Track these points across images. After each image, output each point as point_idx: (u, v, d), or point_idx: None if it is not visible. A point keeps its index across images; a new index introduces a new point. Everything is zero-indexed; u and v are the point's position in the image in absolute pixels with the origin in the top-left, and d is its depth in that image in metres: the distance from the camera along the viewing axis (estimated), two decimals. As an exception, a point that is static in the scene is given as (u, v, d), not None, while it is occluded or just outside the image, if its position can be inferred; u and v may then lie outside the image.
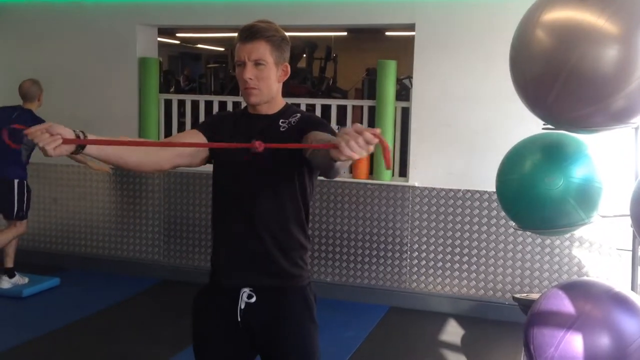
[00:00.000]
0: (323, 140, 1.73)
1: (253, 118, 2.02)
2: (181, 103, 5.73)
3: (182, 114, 5.68)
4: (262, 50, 1.93)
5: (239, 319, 1.97)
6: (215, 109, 5.37)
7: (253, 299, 1.97)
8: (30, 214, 5.04)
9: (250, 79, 1.93)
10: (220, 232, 2.06)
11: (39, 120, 4.76)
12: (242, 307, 1.97)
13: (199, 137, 2.02)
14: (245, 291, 1.97)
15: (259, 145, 1.60)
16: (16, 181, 4.78)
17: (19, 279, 4.94)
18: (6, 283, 4.82)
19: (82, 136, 1.61)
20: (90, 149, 1.65)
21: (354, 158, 1.45)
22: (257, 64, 1.93)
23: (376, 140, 1.43)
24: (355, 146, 1.42)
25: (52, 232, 5.72)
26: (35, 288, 4.92)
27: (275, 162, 1.92)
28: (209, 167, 2.09)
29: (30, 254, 5.55)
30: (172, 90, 9.49)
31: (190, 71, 12.65)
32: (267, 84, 1.96)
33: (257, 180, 1.95)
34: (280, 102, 2.05)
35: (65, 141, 1.55)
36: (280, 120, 2.00)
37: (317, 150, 1.74)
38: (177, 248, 5.39)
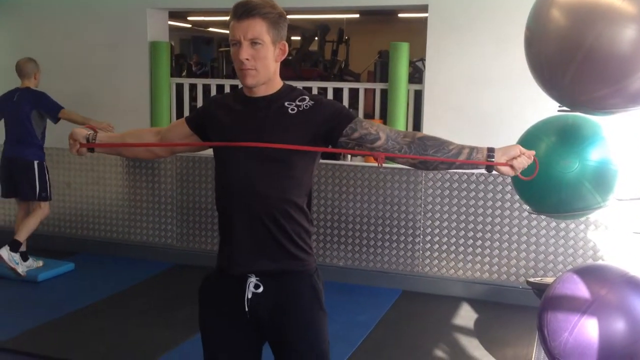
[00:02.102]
0: (387, 130, 1.92)
1: (251, 101, 1.95)
2: (192, 87, 5.71)
3: (193, 98, 5.67)
4: (259, 28, 1.84)
5: (246, 309, 1.94)
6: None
7: (260, 289, 1.93)
8: (52, 196, 5.09)
9: (247, 59, 1.85)
10: (223, 218, 2.03)
11: (39, 95, 4.88)
12: (249, 296, 1.93)
13: (184, 128, 2.05)
14: (252, 281, 1.94)
15: (380, 160, 1.87)
16: (36, 162, 4.90)
17: (33, 263, 4.99)
18: (21, 267, 4.84)
19: (91, 136, 2.02)
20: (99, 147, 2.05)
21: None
22: (253, 43, 1.85)
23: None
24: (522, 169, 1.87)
25: (66, 216, 5.75)
26: (50, 272, 4.96)
27: (281, 149, 1.86)
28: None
29: (44, 238, 5.59)
30: (184, 74, 9.49)
31: (199, 57, 12.65)
32: (265, 64, 1.88)
33: (262, 167, 1.91)
34: (278, 82, 1.97)
35: (82, 145, 2.02)
36: (286, 102, 1.93)
37: (392, 148, 1.89)
38: (190, 232, 5.40)
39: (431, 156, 1.86)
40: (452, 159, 1.85)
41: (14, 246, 4.77)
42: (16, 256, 4.76)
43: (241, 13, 1.85)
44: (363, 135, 1.88)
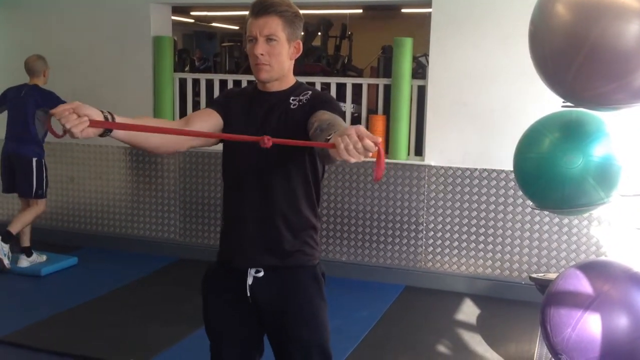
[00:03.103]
0: (326, 121, 1.75)
1: (263, 96, 2.00)
2: (196, 82, 5.71)
3: (196, 93, 5.67)
4: (275, 25, 1.89)
5: (248, 294, 1.97)
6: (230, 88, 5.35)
7: (261, 274, 1.97)
8: (47, 193, 5.09)
9: (262, 54, 1.90)
10: (229, 212, 2.05)
11: (47, 94, 4.86)
12: (250, 282, 1.96)
13: (214, 116, 1.99)
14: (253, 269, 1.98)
15: (267, 141, 1.49)
16: (34, 159, 4.88)
17: (37, 257, 5.00)
18: (25, 262, 4.88)
19: (110, 118, 1.58)
20: (117, 132, 1.62)
21: (350, 162, 1.43)
22: (268, 39, 1.90)
23: (375, 149, 1.41)
24: (353, 151, 1.40)
25: (69, 211, 5.76)
26: (53, 267, 4.98)
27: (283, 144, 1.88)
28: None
29: (47, 232, 5.60)
30: (186, 69, 9.47)
31: (202, 52, 12.64)
32: (279, 61, 1.92)
33: (267, 160, 1.93)
34: (291, 80, 2.02)
35: (93, 123, 1.50)
36: (291, 98, 1.97)
37: (316, 135, 1.73)
38: (193, 227, 5.41)
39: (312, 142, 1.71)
40: (312, 143, 1.70)
41: (6, 237, 4.78)
42: (6, 247, 4.78)
43: (258, 10, 1.90)
44: (310, 124, 1.85)
